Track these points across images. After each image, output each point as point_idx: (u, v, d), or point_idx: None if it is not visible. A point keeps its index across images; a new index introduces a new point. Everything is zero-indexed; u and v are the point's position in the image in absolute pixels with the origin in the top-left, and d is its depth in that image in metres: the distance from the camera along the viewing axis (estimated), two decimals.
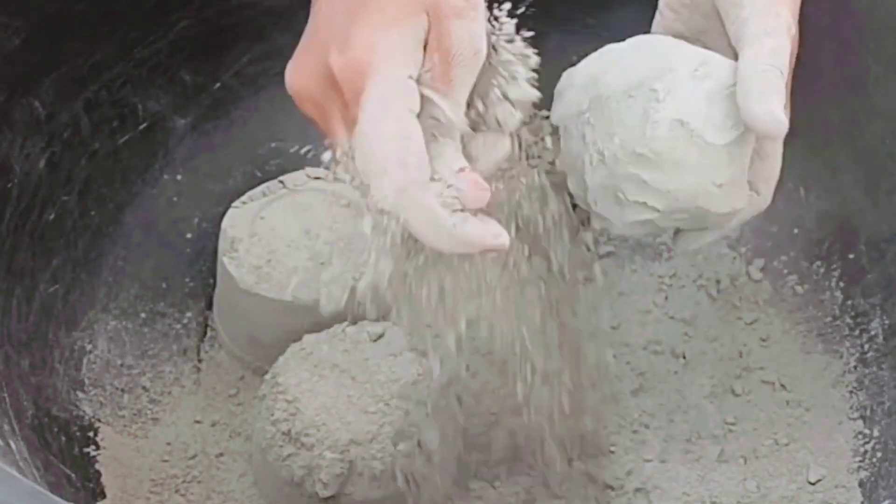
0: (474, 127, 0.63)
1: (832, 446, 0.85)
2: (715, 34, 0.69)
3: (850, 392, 0.87)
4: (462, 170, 0.60)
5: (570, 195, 0.70)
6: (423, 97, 0.60)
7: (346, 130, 0.61)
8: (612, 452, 0.84)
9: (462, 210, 0.60)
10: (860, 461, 0.84)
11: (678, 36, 0.69)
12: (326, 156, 0.64)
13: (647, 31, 0.72)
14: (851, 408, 0.87)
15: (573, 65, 0.70)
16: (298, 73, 0.63)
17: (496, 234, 0.61)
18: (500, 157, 0.64)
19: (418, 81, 0.60)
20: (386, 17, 0.59)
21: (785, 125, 0.62)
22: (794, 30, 0.66)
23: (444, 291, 0.68)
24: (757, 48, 0.63)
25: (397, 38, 0.59)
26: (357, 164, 0.60)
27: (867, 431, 0.85)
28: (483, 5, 0.61)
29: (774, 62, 0.62)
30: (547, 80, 0.70)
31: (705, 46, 0.68)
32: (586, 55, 0.71)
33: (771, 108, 0.61)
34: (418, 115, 0.60)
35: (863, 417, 0.86)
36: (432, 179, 0.59)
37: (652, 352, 0.89)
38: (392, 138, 0.59)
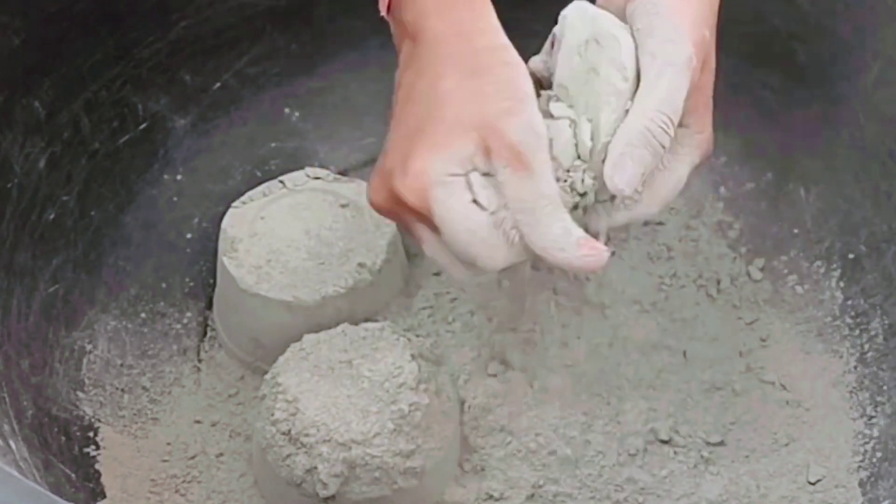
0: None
1: (832, 446, 0.85)
2: None
3: (850, 392, 0.87)
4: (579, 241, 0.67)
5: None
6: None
7: (429, 233, 0.70)
8: (612, 454, 0.84)
9: None
10: (860, 461, 0.84)
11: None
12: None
13: None
14: (851, 408, 0.86)
15: None
16: (375, 194, 0.72)
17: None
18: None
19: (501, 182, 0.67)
20: (436, 143, 0.68)
21: (625, 190, 0.67)
22: (706, 45, 0.70)
23: None
24: (643, 105, 0.68)
25: (442, 163, 0.67)
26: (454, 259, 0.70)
27: (867, 431, 0.85)
28: (530, 91, 0.68)
29: (662, 109, 0.67)
30: None
31: None
32: None
33: (620, 179, 0.67)
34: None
35: (863, 417, 0.86)
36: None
37: (652, 352, 0.89)
38: (466, 235, 0.68)
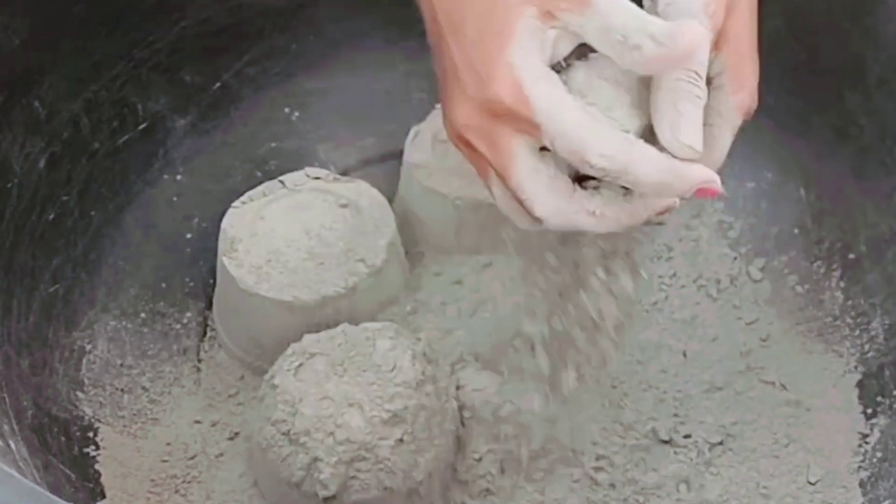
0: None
1: (832, 446, 0.85)
2: None
3: (851, 392, 0.87)
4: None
5: None
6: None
7: (519, 149, 0.64)
8: (612, 454, 0.84)
9: None
10: (860, 461, 0.84)
11: None
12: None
13: None
14: (851, 408, 0.86)
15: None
16: (457, 113, 0.66)
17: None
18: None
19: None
20: (505, 35, 0.63)
21: (698, 152, 0.63)
22: None
23: None
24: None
25: (519, 49, 0.63)
26: (565, 152, 0.63)
27: (867, 431, 0.85)
28: None
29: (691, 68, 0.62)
30: None
31: None
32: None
33: (683, 138, 0.63)
34: None
35: (863, 417, 0.86)
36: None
37: (652, 352, 0.89)
38: (580, 117, 0.62)
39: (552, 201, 0.64)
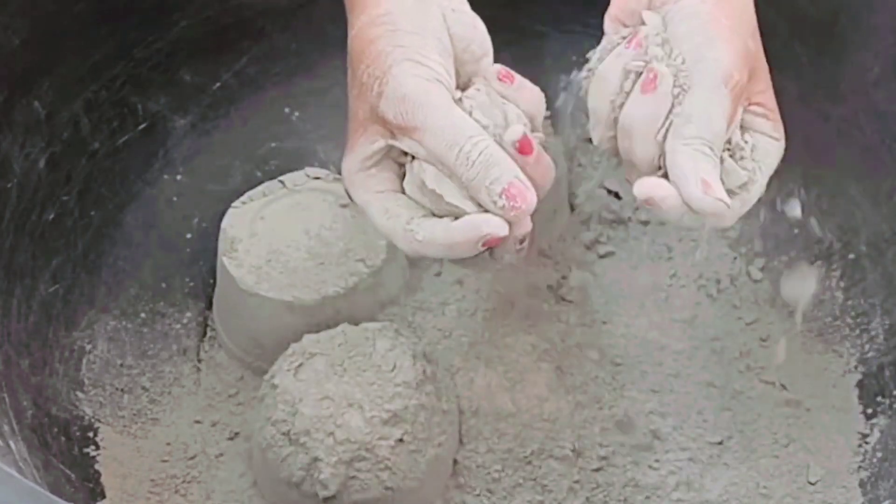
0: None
1: (832, 446, 0.85)
2: None
3: (851, 392, 0.87)
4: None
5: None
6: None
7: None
8: (612, 454, 0.84)
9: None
10: (860, 461, 0.84)
11: None
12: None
13: None
14: (851, 408, 0.86)
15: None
16: (361, 146, 0.71)
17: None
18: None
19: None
20: (350, 145, 0.71)
21: (727, 204, 0.65)
22: (751, 56, 0.69)
23: None
24: (681, 132, 0.66)
25: (353, 155, 0.71)
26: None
27: (867, 431, 0.85)
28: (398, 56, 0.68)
29: (701, 136, 0.66)
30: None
31: None
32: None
33: (716, 194, 0.65)
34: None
35: (863, 417, 0.86)
36: None
37: (652, 352, 0.89)
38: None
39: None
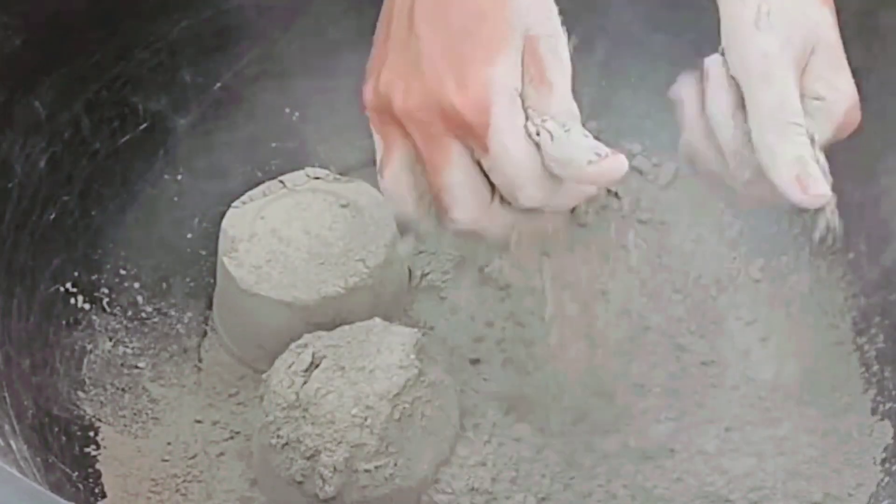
0: None
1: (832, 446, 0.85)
2: None
3: (851, 392, 0.87)
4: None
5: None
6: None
7: (456, 156, 0.65)
8: (613, 453, 0.84)
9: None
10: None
11: None
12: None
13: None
14: (851, 408, 0.87)
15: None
16: (410, 101, 0.65)
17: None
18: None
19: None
20: (491, 52, 0.63)
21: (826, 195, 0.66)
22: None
23: None
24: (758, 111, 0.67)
25: (503, 69, 0.63)
26: (499, 180, 0.65)
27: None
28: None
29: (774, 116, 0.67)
30: None
31: None
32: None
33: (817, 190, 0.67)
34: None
35: (863, 417, 0.86)
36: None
37: (652, 352, 0.89)
38: (525, 157, 0.63)
39: (473, 209, 0.66)
